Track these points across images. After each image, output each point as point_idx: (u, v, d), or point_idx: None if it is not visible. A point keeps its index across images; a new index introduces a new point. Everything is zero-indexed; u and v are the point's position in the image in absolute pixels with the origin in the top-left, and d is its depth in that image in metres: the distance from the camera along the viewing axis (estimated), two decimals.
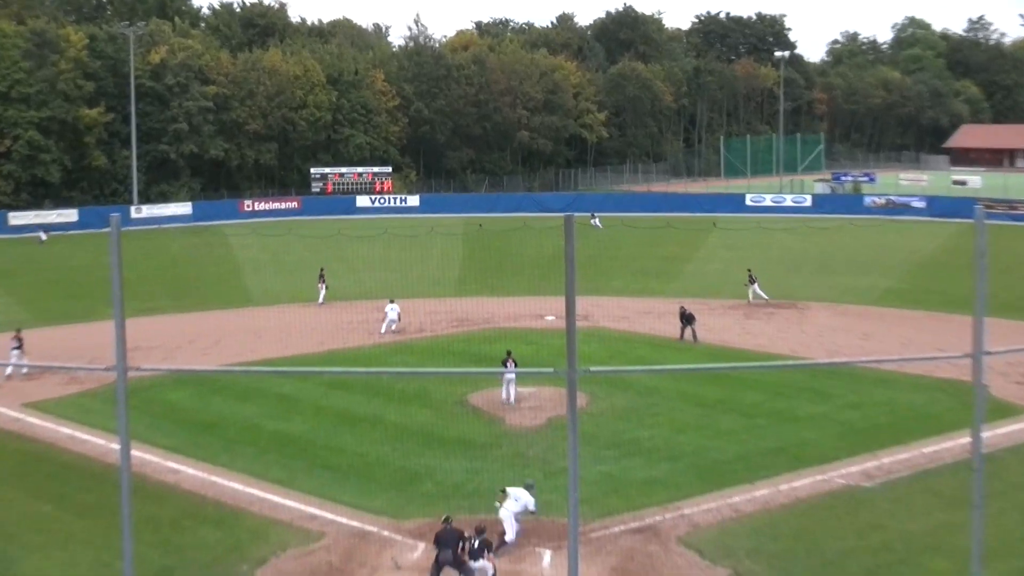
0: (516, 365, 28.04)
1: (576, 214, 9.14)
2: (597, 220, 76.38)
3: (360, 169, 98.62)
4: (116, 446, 9.02)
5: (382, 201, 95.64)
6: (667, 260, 59.50)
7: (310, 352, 35.35)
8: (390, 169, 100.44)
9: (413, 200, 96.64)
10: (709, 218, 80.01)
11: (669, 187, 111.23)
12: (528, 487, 19.42)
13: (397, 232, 64.25)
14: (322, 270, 47.48)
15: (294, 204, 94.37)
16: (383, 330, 39.21)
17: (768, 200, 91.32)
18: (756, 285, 45.55)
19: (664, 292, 46.91)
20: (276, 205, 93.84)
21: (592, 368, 9.13)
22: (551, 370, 11.02)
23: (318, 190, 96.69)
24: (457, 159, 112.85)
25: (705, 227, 72.05)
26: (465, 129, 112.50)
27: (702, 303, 42.62)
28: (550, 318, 39.84)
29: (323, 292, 46.32)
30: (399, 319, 39.58)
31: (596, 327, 38.81)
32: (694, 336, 37.15)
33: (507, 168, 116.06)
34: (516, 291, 44.52)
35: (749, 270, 46.51)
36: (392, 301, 39.83)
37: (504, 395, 28.78)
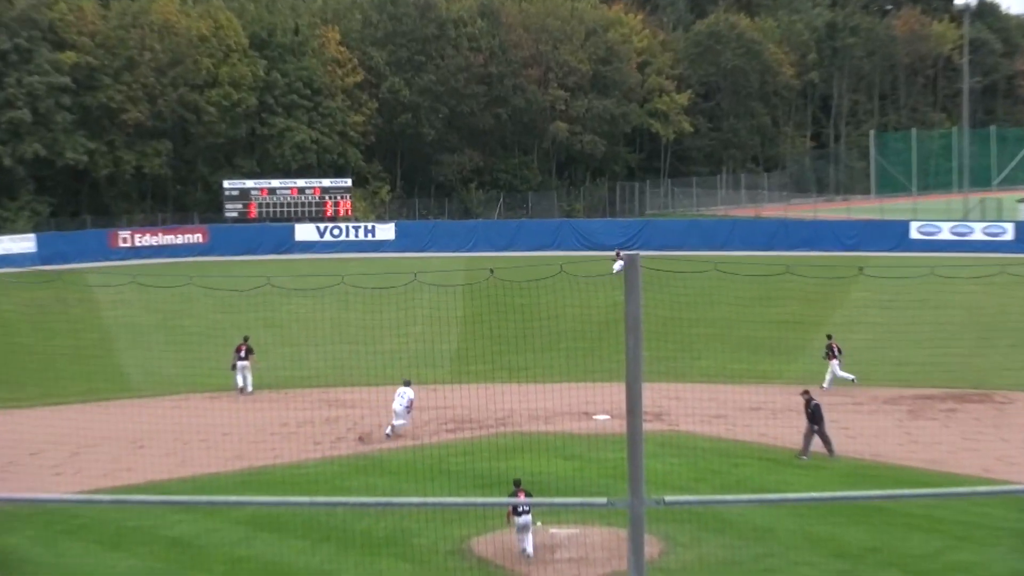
0: (531, 508, 27.79)
1: (642, 253, 9.23)
2: (621, 263, 76.04)
3: (302, 182, 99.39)
4: None
5: (336, 231, 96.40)
6: (786, 326, 59.28)
7: (221, 471, 35.30)
8: (349, 182, 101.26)
9: (385, 230, 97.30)
10: (853, 259, 79.89)
11: (789, 210, 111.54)
12: None
13: (359, 281, 64.35)
14: (245, 340, 47.60)
15: (197, 236, 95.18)
16: (390, 431, 39.73)
17: (946, 231, 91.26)
18: (837, 361, 45.36)
19: (781, 376, 46.82)
20: (169, 238, 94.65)
21: (668, 498, 9.14)
22: (604, 500, 11.03)
23: (235, 214, 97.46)
24: (454, 166, 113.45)
25: (847, 273, 71.85)
26: (467, 119, 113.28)
27: (843, 393, 42.46)
28: (602, 417, 39.80)
29: (244, 376, 46.56)
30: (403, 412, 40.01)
31: (675, 431, 38.70)
32: (828, 445, 36.90)
33: (534, 180, 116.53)
34: (548, 375, 44.49)
35: (829, 336, 46.52)
36: (407, 383, 40.31)
37: (520, 545, 28.72)
